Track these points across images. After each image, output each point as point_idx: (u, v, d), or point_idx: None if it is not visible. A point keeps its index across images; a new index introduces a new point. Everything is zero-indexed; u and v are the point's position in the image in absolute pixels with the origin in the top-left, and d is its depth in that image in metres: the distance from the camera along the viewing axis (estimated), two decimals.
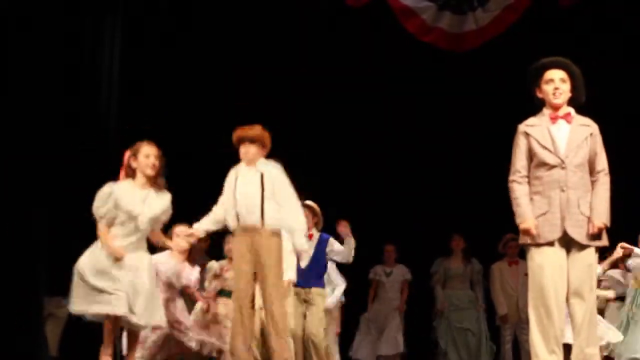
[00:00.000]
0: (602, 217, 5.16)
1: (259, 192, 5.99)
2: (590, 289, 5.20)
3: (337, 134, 10.15)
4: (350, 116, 10.17)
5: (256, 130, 6.12)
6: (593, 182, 5.24)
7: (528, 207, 5.20)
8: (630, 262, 8.06)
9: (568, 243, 5.19)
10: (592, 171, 5.26)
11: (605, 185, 5.23)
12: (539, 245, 5.18)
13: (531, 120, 5.34)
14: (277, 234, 6.03)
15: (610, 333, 7.45)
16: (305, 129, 9.95)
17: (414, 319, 9.96)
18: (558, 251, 5.18)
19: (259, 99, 9.70)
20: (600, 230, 5.17)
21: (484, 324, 9.70)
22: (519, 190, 5.25)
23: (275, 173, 6.09)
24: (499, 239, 9.49)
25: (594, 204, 5.18)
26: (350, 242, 7.52)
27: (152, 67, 9.36)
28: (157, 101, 9.35)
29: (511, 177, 5.31)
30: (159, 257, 6.72)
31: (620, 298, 8.32)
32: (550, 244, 5.17)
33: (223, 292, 7.14)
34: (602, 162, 5.27)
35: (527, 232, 5.18)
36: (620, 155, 6.64)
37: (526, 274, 5.46)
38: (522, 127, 5.32)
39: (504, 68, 9.05)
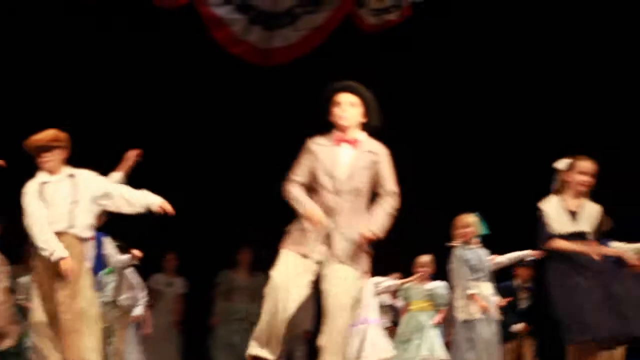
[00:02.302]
0: (373, 227, 5.08)
1: (70, 196, 5.65)
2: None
3: (131, 139, 9.87)
4: (152, 121, 9.91)
5: (50, 135, 5.74)
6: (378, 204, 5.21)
7: (311, 202, 5.08)
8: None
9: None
10: (379, 195, 5.20)
11: (387, 205, 5.15)
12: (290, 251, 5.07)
13: (320, 140, 5.23)
14: (83, 239, 5.68)
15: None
16: (105, 133, 9.62)
17: (193, 332, 9.82)
18: (305, 263, 5.05)
19: (62, 102, 9.33)
20: (368, 238, 5.07)
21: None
22: (296, 191, 5.14)
23: (87, 173, 5.79)
24: None
25: (371, 218, 5.13)
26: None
27: None
28: None
29: (288, 181, 5.19)
30: None
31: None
32: (303, 255, 5.04)
33: None
34: (389, 186, 5.18)
35: (314, 221, 4.98)
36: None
37: None
38: (310, 145, 5.22)
39: (310, 86, 9.08)
